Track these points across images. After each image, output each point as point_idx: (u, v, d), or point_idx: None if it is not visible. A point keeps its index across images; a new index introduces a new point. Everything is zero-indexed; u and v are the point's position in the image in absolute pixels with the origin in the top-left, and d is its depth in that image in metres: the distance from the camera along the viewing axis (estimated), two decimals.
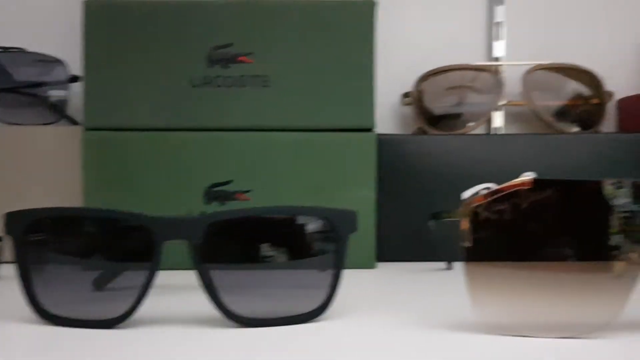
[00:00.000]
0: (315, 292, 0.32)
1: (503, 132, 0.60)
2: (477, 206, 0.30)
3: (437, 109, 0.57)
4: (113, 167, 0.47)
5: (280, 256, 0.33)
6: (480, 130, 0.60)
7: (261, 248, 0.32)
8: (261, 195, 0.47)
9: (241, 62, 0.47)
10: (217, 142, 0.47)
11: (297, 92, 0.47)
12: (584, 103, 0.57)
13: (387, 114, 0.61)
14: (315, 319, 0.32)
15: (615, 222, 0.29)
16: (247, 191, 0.47)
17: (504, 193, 0.29)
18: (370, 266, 0.48)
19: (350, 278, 0.43)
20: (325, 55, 0.47)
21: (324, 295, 0.32)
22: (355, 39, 0.47)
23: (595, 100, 0.57)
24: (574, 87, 0.57)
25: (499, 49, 0.60)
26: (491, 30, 0.61)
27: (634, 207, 0.29)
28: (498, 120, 0.59)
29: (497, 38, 0.60)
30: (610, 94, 0.57)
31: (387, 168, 0.51)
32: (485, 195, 0.30)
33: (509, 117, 0.61)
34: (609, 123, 0.60)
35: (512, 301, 0.30)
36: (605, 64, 0.60)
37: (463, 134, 0.55)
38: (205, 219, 0.30)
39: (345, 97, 0.47)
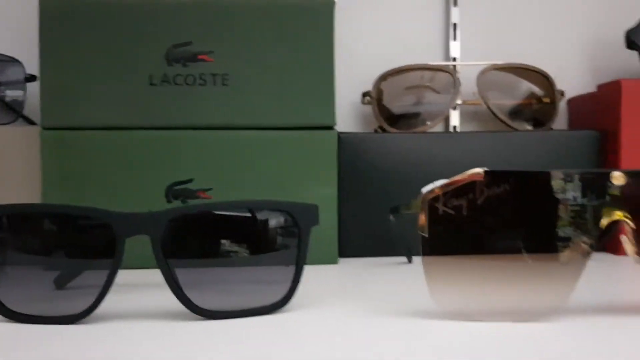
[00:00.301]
0: (277, 285, 0.33)
1: (459, 130, 0.62)
2: (433, 198, 0.31)
3: (396, 108, 0.58)
4: (72, 167, 0.47)
5: (243, 250, 0.33)
6: (438, 128, 0.61)
7: (223, 242, 0.33)
8: (222, 194, 0.47)
9: (201, 60, 0.48)
10: (177, 140, 0.47)
11: (257, 90, 0.48)
12: (536, 102, 0.59)
13: (348, 113, 0.62)
14: (277, 311, 0.32)
15: (563, 212, 0.31)
16: (209, 189, 0.47)
17: (458, 185, 0.30)
18: (332, 262, 0.49)
19: (312, 273, 0.44)
20: (285, 53, 0.48)
21: (287, 288, 0.33)
22: (314, 38, 0.48)
23: (546, 100, 0.59)
24: (527, 86, 0.59)
25: (455, 49, 0.61)
26: (448, 31, 0.62)
27: (581, 198, 0.30)
28: (455, 119, 0.61)
29: (454, 39, 0.61)
30: (561, 93, 0.59)
31: (349, 166, 0.52)
32: (440, 188, 0.31)
33: (466, 116, 0.63)
34: (561, 121, 0.62)
35: (467, 289, 0.31)
36: (556, 64, 0.62)
37: (421, 133, 0.56)
38: (165, 214, 0.30)
39: (305, 95, 0.48)
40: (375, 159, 0.53)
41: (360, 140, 0.53)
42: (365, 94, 0.57)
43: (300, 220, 0.33)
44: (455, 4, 0.61)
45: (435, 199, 0.30)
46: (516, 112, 0.59)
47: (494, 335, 0.28)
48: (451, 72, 0.57)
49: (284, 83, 0.48)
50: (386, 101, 0.58)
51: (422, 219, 0.31)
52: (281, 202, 0.33)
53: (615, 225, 0.31)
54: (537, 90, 0.59)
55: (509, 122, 0.57)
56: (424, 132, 0.56)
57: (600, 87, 0.55)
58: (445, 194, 0.31)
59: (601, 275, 0.43)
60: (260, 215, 0.33)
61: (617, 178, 0.30)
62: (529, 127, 0.58)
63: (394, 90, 0.58)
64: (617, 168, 0.46)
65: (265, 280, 0.33)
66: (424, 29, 0.63)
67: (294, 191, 0.48)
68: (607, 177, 0.30)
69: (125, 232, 0.30)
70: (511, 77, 0.59)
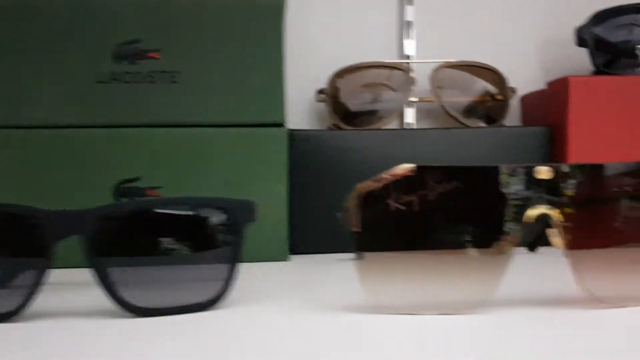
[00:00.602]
0: (213, 282, 0.33)
1: (415, 127, 0.62)
2: (364, 194, 0.31)
3: (350, 105, 0.58)
4: (19, 167, 0.46)
5: (178, 247, 0.33)
6: (393, 125, 0.62)
7: (158, 239, 0.32)
8: (172, 191, 0.47)
9: (149, 58, 0.47)
10: (125, 138, 0.47)
11: (206, 87, 0.48)
12: (489, 99, 0.60)
13: (304, 111, 0.62)
14: (214, 308, 0.32)
15: (490, 206, 0.31)
16: (158, 187, 0.47)
17: (389, 181, 0.31)
18: (283, 259, 0.49)
19: (260, 269, 0.44)
20: (234, 50, 0.48)
21: (222, 284, 0.33)
22: (263, 35, 0.48)
23: (499, 97, 0.59)
24: (480, 84, 0.60)
25: (410, 47, 0.62)
26: (402, 29, 0.63)
27: (508, 193, 0.31)
28: (410, 116, 0.61)
29: (408, 37, 0.61)
30: (513, 90, 0.59)
31: (300, 162, 0.52)
32: (371, 183, 0.31)
33: (422, 113, 0.63)
34: (515, 118, 0.63)
35: (398, 283, 0.32)
36: (510, 61, 0.63)
37: (374, 129, 0.56)
38: (95, 212, 0.30)
39: (254, 93, 0.48)
40: (327, 155, 0.53)
41: (312, 137, 0.53)
42: (319, 91, 0.57)
43: (235, 216, 0.33)
44: (410, 2, 0.62)
45: (366, 194, 0.31)
46: (469, 109, 0.59)
47: (425, 328, 0.28)
48: (405, 69, 0.57)
49: (233, 80, 0.48)
50: (340, 98, 0.58)
51: (353, 214, 0.31)
52: (216, 199, 0.33)
53: (542, 219, 0.31)
54: (489, 87, 0.60)
55: (461, 118, 0.58)
56: (377, 129, 0.56)
57: (550, 84, 0.56)
58: (376, 189, 0.31)
59: (533, 268, 0.43)
60: (194, 212, 0.33)
61: (542, 172, 0.31)
62: (482, 124, 0.59)
63: (348, 87, 0.58)
64: (561, 162, 0.47)
65: (201, 277, 0.33)
66: (379, 27, 0.63)
67: (244, 188, 0.48)
68: (532, 171, 0.31)
69: (55, 230, 0.30)
70: (464, 75, 0.59)
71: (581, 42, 0.56)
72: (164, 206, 0.33)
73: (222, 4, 0.48)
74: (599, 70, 0.56)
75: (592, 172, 0.32)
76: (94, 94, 0.47)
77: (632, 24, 0.57)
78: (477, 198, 0.31)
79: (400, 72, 0.57)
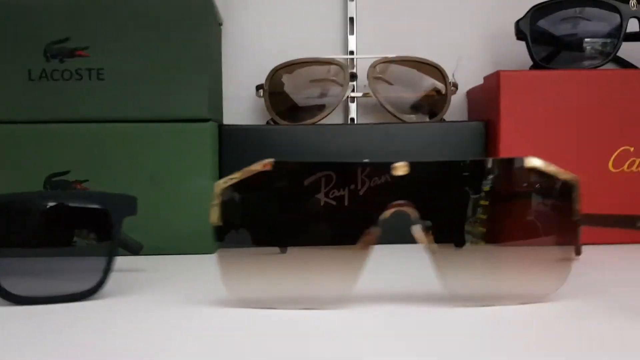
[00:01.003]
0: (90, 272, 0.34)
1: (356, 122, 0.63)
2: (225, 189, 0.32)
3: (288, 100, 0.59)
4: None
5: (57, 239, 0.34)
6: (335, 122, 0.62)
7: (37, 231, 0.34)
8: (98, 185, 0.49)
9: (78, 56, 0.49)
10: (54, 134, 0.49)
11: (132, 84, 0.49)
12: (429, 94, 0.60)
13: (249, 107, 0.63)
14: (91, 298, 0.34)
15: (346, 203, 0.31)
16: (85, 181, 0.49)
17: (249, 176, 0.31)
18: (209, 252, 0.50)
19: (173, 262, 0.46)
20: (160, 47, 0.49)
21: (100, 276, 0.34)
22: (189, 31, 0.49)
23: (439, 92, 0.59)
24: (420, 79, 0.60)
25: (353, 43, 0.62)
26: (346, 25, 0.63)
27: (364, 190, 0.31)
28: (352, 111, 0.62)
29: (351, 33, 0.62)
30: (454, 85, 0.59)
31: (232, 157, 0.53)
32: (231, 178, 0.32)
33: (366, 109, 0.63)
34: (463, 113, 0.63)
35: (259, 278, 0.32)
36: (456, 55, 0.63)
37: (309, 125, 0.57)
38: None
39: (179, 89, 0.49)
40: (260, 151, 0.54)
41: (245, 132, 0.54)
42: (258, 87, 0.58)
43: (112, 210, 0.34)
44: None
45: (226, 189, 0.32)
46: (409, 105, 0.60)
47: (286, 322, 0.29)
48: (342, 65, 0.58)
49: (158, 76, 0.49)
50: (278, 94, 0.58)
51: (215, 208, 0.32)
52: (93, 193, 0.34)
53: (399, 215, 0.31)
54: (430, 82, 0.59)
55: (398, 114, 0.58)
56: (312, 125, 0.57)
57: (485, 78, 0.56)
58: (235, 184, 0.32)
59: (402, 265, 0.44)
60: (74, 205, 0.34)
61: (399, 168, 0.31)
62: (423, 119, 0.59)
63: (285, 83, 0.59)
64: (491, 157, 0.47)
65: (80, 268, 0.34)
66: (323, 23, 0.63)
67: (170, 183, 0.49)
68: (388, 168, 0.31)
69: None
70: (404, 70, 0.59)
71: (519, 35, 0.56)
72: (45, 199, 0.34)
73: (148, 1, 0.49)
74: (537, 65, 0.56)
75: (451, 168, 0.32)
76: (25, 91, 0.49)
77: (578, 17, 0.56)
78: (335, 194, 0.32)
79: (337, 67, 0.58)
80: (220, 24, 0.60)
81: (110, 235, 0.34)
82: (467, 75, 0.61)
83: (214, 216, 0.32)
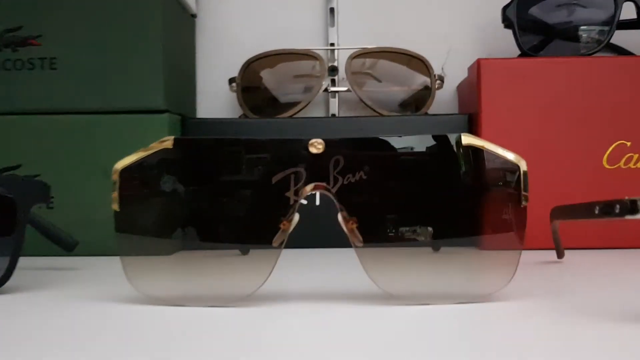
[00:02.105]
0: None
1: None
2: (124, 170, 0.28)
3: (261, 95, 0.56)
4: None
5: None
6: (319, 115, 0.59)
7: None
8: (50, 178, 0.46)
9: (30, 44, 0.47)
10: (5, 126, 0.47)
11: (86, 74, 0.47)
12: (411, 88, 0.56)
13: (226, 102, 0.60)
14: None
15: (258, 189, 0.28)
16: (37, 175, 0.47)
17: (148, 156, 0.28)
18: (167, 253, 0.47)
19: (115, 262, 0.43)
20: (115, 37, 0.47)
21: (6, 265, 0.31)
22: (144, 21, 0.47)
23: (423, 85, 0.55)
24: (401, 72, 0.56)
25: (333, 35, 0.59)
26: (327, 15, 0.60)
27: (274, 172, 0.28)
28: (333, 107, 0.58)
29: (332, 24, 0.58)
30: (440, 78, 0.55)
31: None
32: (130, 159, 0.29)
33: (351, 105, 0.60)
34: (453, 111, 0.59)
35: (164, 272, 0.29)
36: (445, 47, 0.59)
37: (283, 118, 0.54)
38: None
39: (134, 79, 0.47)
40: None
41: (212, 126, 0.51)
42: (231, 80, 0.55)
43: (17, 196, 0.31)
44: None
45: (124, 171, 0.28)
46: (391, 100, 0.56)
47: (190, 319, 0.26)
48: (318, 57, 0.54)
49: (112, 66, 0.47)
50: (252, 88, 0.56)
51: (114, 192, 0.29)
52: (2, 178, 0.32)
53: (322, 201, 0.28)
54: (413, 76, 0.56)
55: (380, 110, 0.54)
56: (286, 118, 0.54)
57: (469, 69, 0.52)
58: (133, 165, 0.28)
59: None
60: None
61: (316, 145, 0.27)
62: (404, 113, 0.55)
63: (260, 76, 0.56)
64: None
65: None
66: (303, 14, 0.60)
67: None
68: (306, 145, 0.27)
69: None
70: (385, 63, 0.56)
71: (506, 22, 0.52)
72: None
73: None
74: (525, 55, 0.51)
75: (378, 147, 0.28)
76: None
77: (568, 3, 0.52)
78: (247, 176, 0.28)
79: (314, 59, 0.54)
80: (194, 16, 0.58)
81: (20, 222, 0.31)
82: (457, 69, 0.57)
83: (114, 199, 0.28)
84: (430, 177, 0.28)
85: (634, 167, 0.47)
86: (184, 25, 0.56)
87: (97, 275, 0.38)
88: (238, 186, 0.28)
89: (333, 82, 0.57)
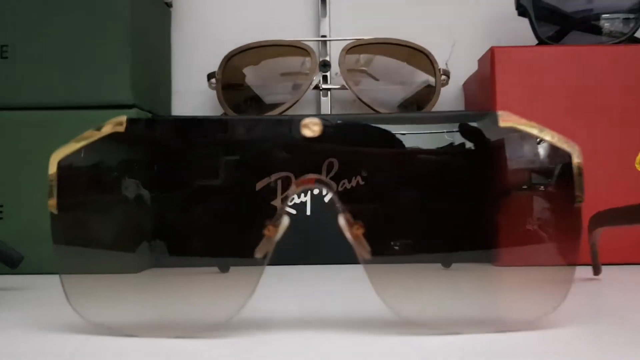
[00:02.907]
0: None
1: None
2: (64, 161, 0.22)
3: (244, 92, 0.50)
4: None
5: None
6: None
7: None
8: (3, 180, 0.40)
9: None
10: None
11: (42, 64, 0.41)
12: (413, 85, 0.50)
13: (204, 100, 0.54)
14: None
15: (231, 182, 0.22)
16: None
17: (95, 141, 0.22)
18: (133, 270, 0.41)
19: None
20: (76, 24, 0.41)
21: None
22: (109, 9, 0.41)
23: (426, 81, 0.49)
24: (402, 67, 0.50)
25: (325, 27, 0.53)
26: (318, 6, 0.54)
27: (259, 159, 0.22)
28: (325, 107, 0.52)
29: (323, 16, 0.53)
30: (445, 73, 0.49)
31: None
32: (72, 146, 0.22)
33: (346, 106, 0.54)
34: (459, 106, 0.53)
35: (114, 295, 0.23)
36: (448, 41, 0.53)
37: (251, 118, 0.47)
38: None
39: (98, 71, 0.41)
40: None
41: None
42: (210, 76, 0.49)
43: None
44: None
45: (64, 162, 0.22)
46: (390, 98, 0.50)
47: (151, 354, 0.19)
48: (308, 50, 0.48)
49: (74, 56, 0.41)
50: (234, 84, 0.49)
51: (52, 189, 0.22)
52: None
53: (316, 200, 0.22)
54: (415, 71, 0.50)
55: (377, 107, 0.48)
56: (255, 117, 0.47)
57: (480, 61, 0.46)
58: (80, 154, 0.22)
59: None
60: None
61: (311, 127, 0.21)
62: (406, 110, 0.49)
63: (243, 71, 0.50)
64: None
65: None
66: (292, 5, 0.54)
67: None
68: (297, 126, 0.21)
69: None
70: (384, 56, 0.50)
71: (520, 10, 0.46)
72: None
73: None
74: (542, 43, 0.46)
75: (387, 131, 0.22)
76: None
77: None
78: (222, 167, 0.22)
79: (304, 52, 0.48)
80: (169, 5, 0.52)
81: None
82: (461, 65, 0.52)
83: (51, 199, 0.22)
84: (460, 171, 0.22)
85: None
86: (158, 14, 0.50)
87: (40, 297, 0.31)
88: (211, 180, 0.22)
89: (325, 79, 0.51)
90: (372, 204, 0.22)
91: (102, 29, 0.41)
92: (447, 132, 0.22)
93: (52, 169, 0.22)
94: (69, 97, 0.41)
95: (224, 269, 0.25)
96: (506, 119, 0.22)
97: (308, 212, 0.42)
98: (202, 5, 0.54)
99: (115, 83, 0.41)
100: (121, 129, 0.21)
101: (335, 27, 0.54)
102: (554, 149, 0.22)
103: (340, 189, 0.21)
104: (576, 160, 0.22)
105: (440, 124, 0.22)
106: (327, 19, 0.53)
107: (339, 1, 0.54)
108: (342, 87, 0.50)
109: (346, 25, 0.54)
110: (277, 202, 0.21)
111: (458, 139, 0.22)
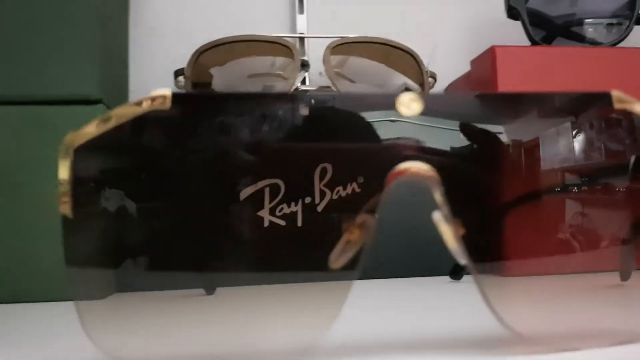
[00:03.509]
0: None
1: None
2: (80, 149, 0.17)
3: (214, 89, 0.45)
4: None
5: None
6: None
7: None
8: None
9: None
10: None
11: (3, 57, 0.35)
12: (400, 88, 0.47)
13: None
14: None
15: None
16: None
17: (123, 123, 0.17)
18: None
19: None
20: (39, 11, 0.35)
21: None
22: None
23: (414, 84, 0.47)
24: (387, 69, 0.47)
25: (302, 24, 0.49)
26: (294, 2, 0.50)
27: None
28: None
29: (300, 12, 0.49)
30: (432, 76, 0.47)
31: None
32: (90, 128, 0.17)
33: None
34: None
35: (150, 322, 0.18)
36: (429, 43, 0.51)
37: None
38: None
39: (63, 64, 0.35)
40: None
41: None
42: (178, 73, 0.44)
43: None
44: None
45: (85, 152, 0.17)
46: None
47: None
48: (290, 46, 0.44)
49: (36, 47, 0.35)
50: (205, 83, 0.44)
51: (64, 186, 0.17)
52: None
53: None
54: (402, 73, 0.47)
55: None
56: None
57: (474, 62, 0.44)
58: (103, 141, 0.17)
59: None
60: None
61: (408, 104, 0.17)
62: None
63: (215, 70, 0.45)
64: None
65: None
66: (265, 1, 0.50)
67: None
68: (392, 100, 0.17)
69: None
70: (370, 56, 0.47)
71: (511, 12, 0.44)
72: None
73: None
74: (535, 45, 0.44)
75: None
76: None
77: None
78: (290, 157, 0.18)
79: (284, 49, 0.44)
80: None
81: None
82: (443, 69, 0.49)
83: (64, 199, 0.17)
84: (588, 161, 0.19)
85: None
86: (119, 6, 0.44)
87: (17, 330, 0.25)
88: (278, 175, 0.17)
89: (303, 81, 0.47)
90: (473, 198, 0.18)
91: (69, 17, 0.35)
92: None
93: (65, 161, 0.17)
94: (28, 91, 0.35)
95: (210, 290, 0.21)
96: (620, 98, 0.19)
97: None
98: (184, 5, 0.49)
99: (81, 77, 0.35)
100: (166, 104, 0.16)
101: (312, 25, 0.50)
102: None
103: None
104: None
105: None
106: (304, 15, 0.49)
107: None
108: (322, 89, 0.46)
109: (324, 24, 0.50)
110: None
111: None
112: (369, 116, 0.18)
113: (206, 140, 0.17)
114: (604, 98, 0.18)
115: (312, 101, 0.18)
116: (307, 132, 0.18)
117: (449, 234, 0.17)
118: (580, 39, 0.45)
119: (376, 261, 0.38)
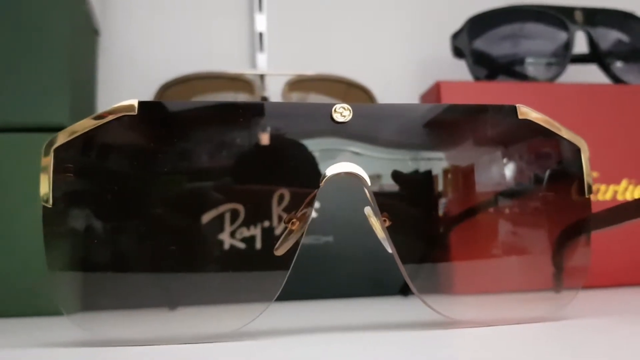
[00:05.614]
0: None
1: None
2: (59, 149, 0.19)
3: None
4: None
5: None
6: None
7: None
8: None
9: None
10: None
11: None
12: None
13: None
14: None
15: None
16: None
17: (97, 129, 0.19)
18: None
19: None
20: (12, 42, 0.37)
21: None
22: (44, 16, 0.38)
23: None
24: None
25: (262, 61, 0.52)
26: (254, 40, 0.53)
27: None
28: None
29: (260, 50, 0.52)
30: None
31: None
32: (68, 131, 0.19)
33: None
34: None
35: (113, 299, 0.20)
36: (382, 80, 0.54)
37: None
38: None
39: (29, 88, 0.37)
40: None
41: None
42: None
43: None
44: (261, 9, 0.52)
45: (64, 151, 0.19)
46: None
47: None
48: (251, 83, 0.47)
49: (4, 74, 0.37)
50: None
51: (44, 181, 0.19)
52: None
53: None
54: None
55: None
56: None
57: (423, 96, 0.47)
58: (73, 146, 0.19)
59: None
60: None
61: (340, 112, 0.20)
62: None
63: None
64: None
65: None
66: (226, 39, 0.53)
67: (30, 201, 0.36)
68: (329, 111, 0.20)
69: None
70: (327, 93, 0.50)
71: (457, 51, 0.48)
72: None
73: None
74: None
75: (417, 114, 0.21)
76: None
77: (517, 35, 0.49)
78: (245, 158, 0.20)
79: (246, 85, 0.47)
80: (97, 33, 0.49)
81: None
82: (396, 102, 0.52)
83: (44, 191, 0.19)
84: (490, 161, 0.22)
85: (602, 199, 0.44)
86: (88, 39, 0.47)
87: None
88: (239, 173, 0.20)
89: None
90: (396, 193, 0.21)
91: (39, 47, 0.37)
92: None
93: (46, 159, 0.19)
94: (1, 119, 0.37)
95: (172, 307, 0.23)
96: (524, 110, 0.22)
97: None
98: (129, 35, 0.52)
99: (51, 104, 0.37)
100: (133, 111, 0.19)
101: (271, 62, 0.53)
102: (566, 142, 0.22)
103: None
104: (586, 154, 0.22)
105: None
106: (264, 54, 0.52)
107: (276, 37, 0.54)
108: None
109: (283, 61, 0.53)
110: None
111: None
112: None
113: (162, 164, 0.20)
114: (511, 110, 0.21)
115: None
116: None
117: (377, 225, 0.20)
118: (521, 76, 0.48)
119: (332, 281, 0.41)
